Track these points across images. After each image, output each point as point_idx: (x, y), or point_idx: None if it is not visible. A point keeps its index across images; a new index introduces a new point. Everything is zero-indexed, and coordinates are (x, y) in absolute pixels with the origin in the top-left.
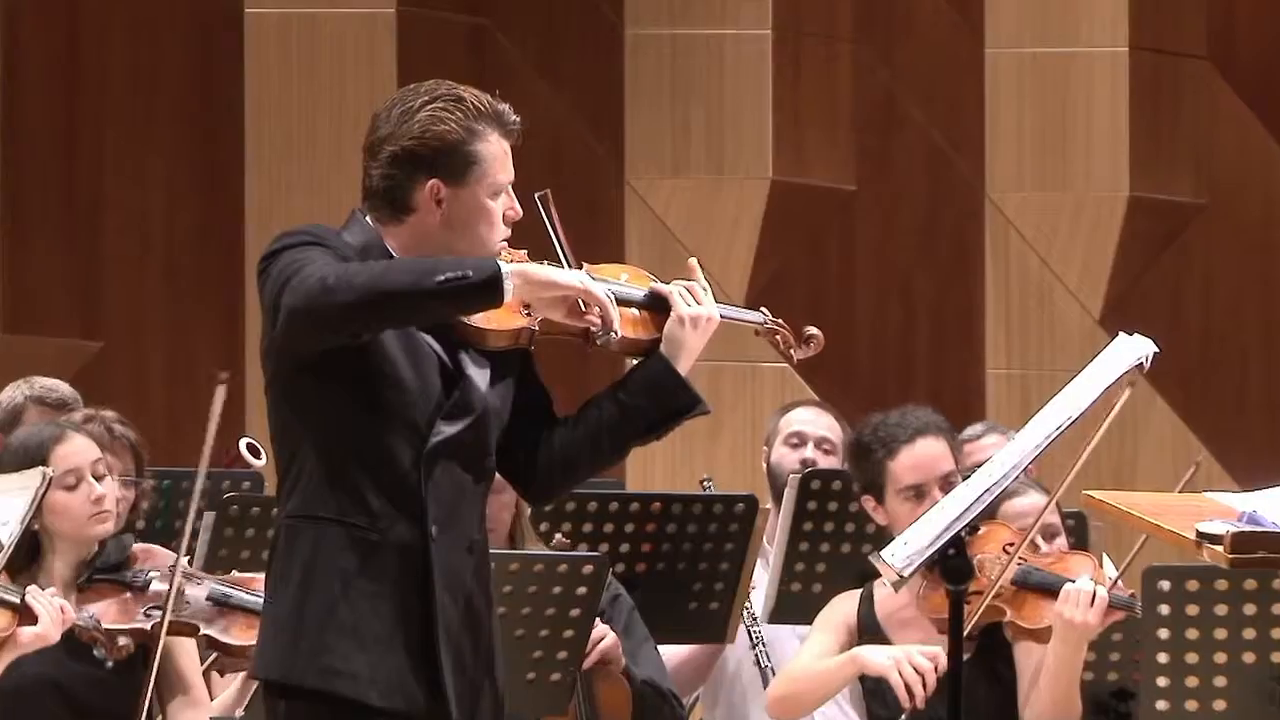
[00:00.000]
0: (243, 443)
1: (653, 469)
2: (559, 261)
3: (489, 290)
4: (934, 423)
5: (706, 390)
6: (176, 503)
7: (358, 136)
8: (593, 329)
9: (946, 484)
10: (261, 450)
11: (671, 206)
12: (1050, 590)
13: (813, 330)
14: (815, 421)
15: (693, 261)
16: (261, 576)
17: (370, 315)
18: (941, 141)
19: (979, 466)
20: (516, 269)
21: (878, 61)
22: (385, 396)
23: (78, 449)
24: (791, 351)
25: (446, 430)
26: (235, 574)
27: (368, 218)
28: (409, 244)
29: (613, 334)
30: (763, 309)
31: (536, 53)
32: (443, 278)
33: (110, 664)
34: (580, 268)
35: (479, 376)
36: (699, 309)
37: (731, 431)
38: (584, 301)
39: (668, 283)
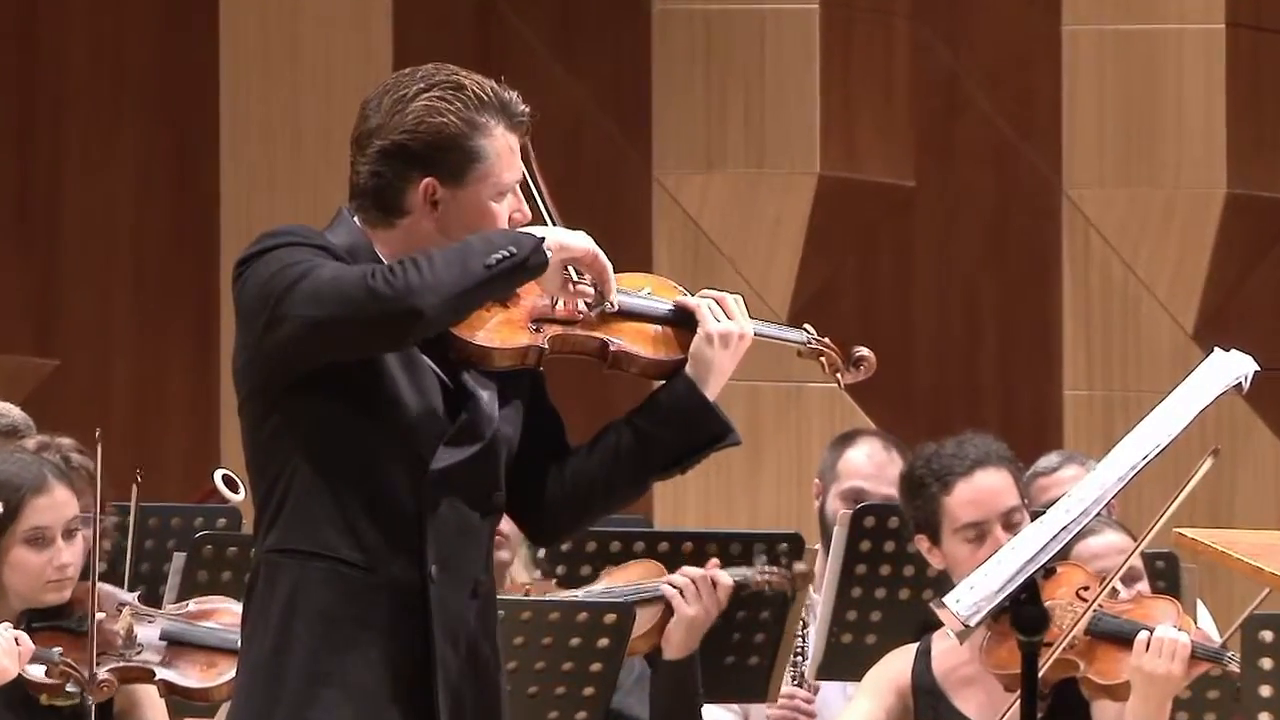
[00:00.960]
0: (218, 475)
1: (684, 504)
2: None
3: (535, 261)
4: (994, 452)
5: (744, 414)
6: (143, 542)
7: (347, 127)
8: (587, 301)
9: (1010, 522)
10: (239, 483)
11: (705, 206)
12: (1127, 640)
13: (863, 351)
14: (879, 475)
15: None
16: (225, 605)
17: (435, 318)
18: (1011, 131)
19: (1054, 503)
20: (547, 231)
21: (939, 40)
22: (383, 416)
23: (56, 504)
24: (839, 375)
25: (450, 457)
26: (193, 605)
27: (356, 218)
28: (399, 249)
29: (606, 304)
30: (806, 326)
31: (551, 32)
32: (493, 260)
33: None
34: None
35: (487, 399)
36: (729, 325)
37: (773, 461)
38: (577, 269)
39: (695, 294)
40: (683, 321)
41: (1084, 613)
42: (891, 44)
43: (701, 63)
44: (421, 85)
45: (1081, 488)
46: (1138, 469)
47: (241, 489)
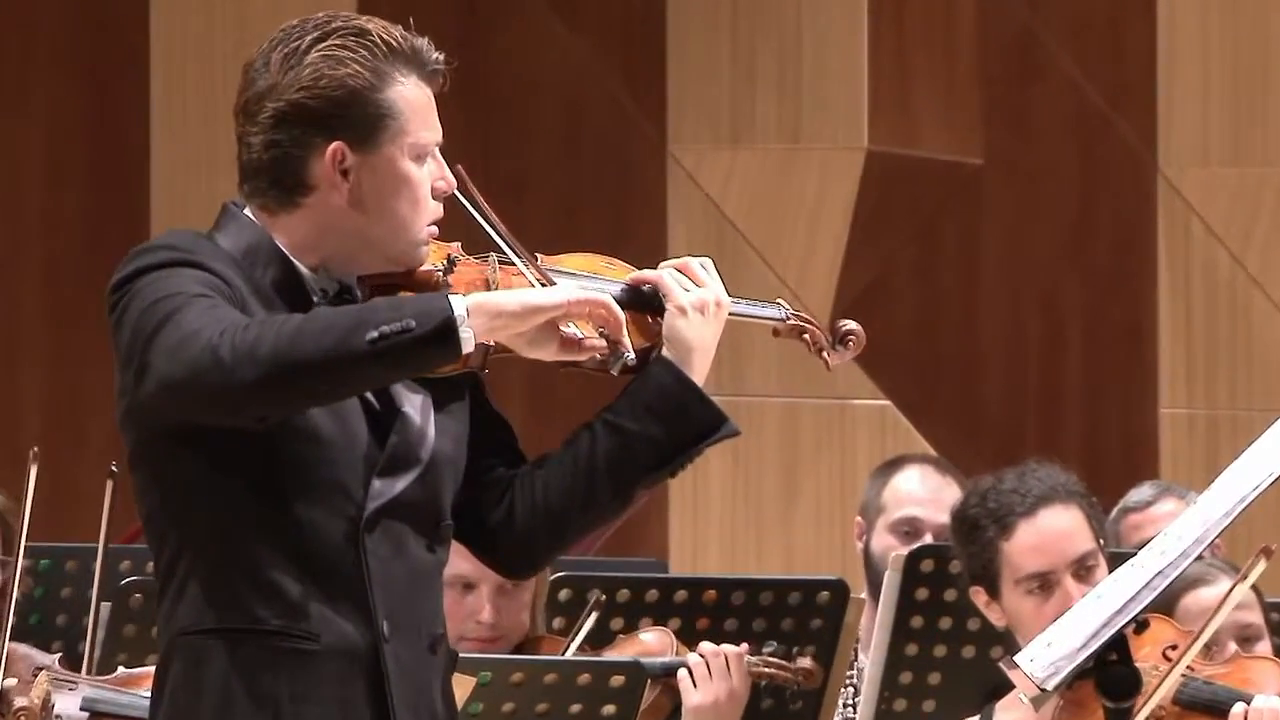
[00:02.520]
0: None
1: (705, 544)
2: (498, 259)
3: (440, 342)
4: (1063, 486)
5: (778, 437)
6: (59, 590)
7: None
8: (600, 356)
9: (1082, 570)
10: None
11: (731, 187)
12: (1221, 710)
13: (849, 325)
14: (935, 500)
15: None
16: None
17: (282, 397)
18: (1098, 99)
19: (1147, 543)
20: (475, 301)
21: None
22: (298, 454)
23: None
24: (824, 355)
25: (386, 491)
26: (122, 671)
27: (247, 210)
28: (309, 236)
29: (627, 356)
30: (780, 300)
31: None
32: (375, 334)
33: None
34: (535, 259)
35: (417, 413)
36: (701, 292)
37: (811, 492)
38: (580, 319)
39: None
40: (644, 301)
41: (1166, 675)
42: None
43: (726, 15)
44: (316, 35)
45: (1180, 525)
46: (1248, 502)
47: None
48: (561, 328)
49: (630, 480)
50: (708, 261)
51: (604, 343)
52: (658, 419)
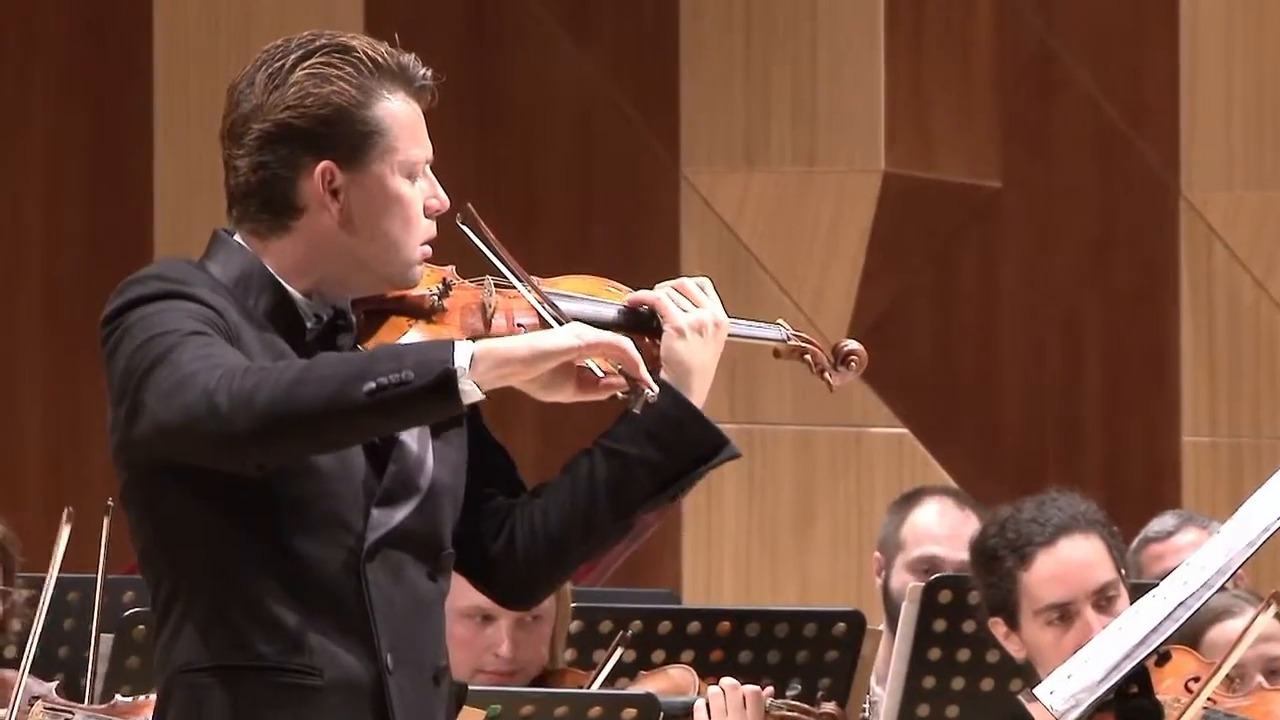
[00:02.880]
0: None
1: (718, 574)
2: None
3: (440, 394)
4: (1082, 515)
5: (792, 465)
6: (62, 622)
7: None
8: (621, 394)
9: (1103, 600)
10: None
11: (745, 210)
12: None
13: (851, 345)
14: (954, 537)
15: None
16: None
17: (278, 447)
18: (1119, 119)
19: (1169, 573)
20: (482, 349)
21: (1030, 7)
22: (295, 487)
23: None
24: (826, 376)
25: (386, 521)
26: (119, 700)
27: (237, 236)
28: (300, 259)
29: (648, 394)
30: (780, 321)
31: (561, 0)
32: (373, 385)
33: None
34: (534, 287)
35: (414, 441)
36: (699, 312)
37: (827, 522)
38: (594, 359)
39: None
40: (641, 323)
41: (1186, 708)
42: (973, 12)
43: (740, 34)
44: (301, 53)
45: (1203, 555)
46: (1272, 532)
47: None
48: (578, 363)
49: (631, 506)
50: (705, 282)
51: (623, 380)
52: (656, 443)
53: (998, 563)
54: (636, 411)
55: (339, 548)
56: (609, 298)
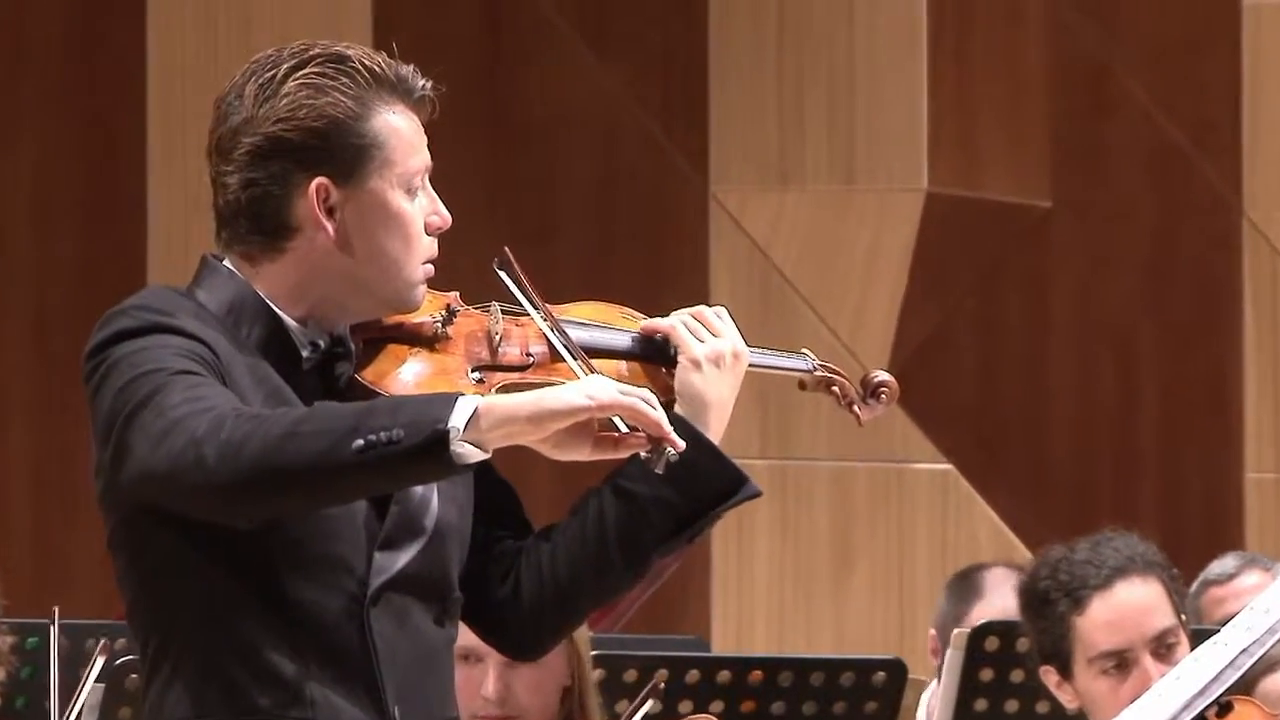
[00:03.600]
0: None
1: (750, 620)
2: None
3: (429, 456)
4: (1140, 556)
5: (830, 501)
6: (48, 671)
7: None
8: (644, 454)
9: (1162, 647)
10: None
11: (779, 232)
12: None
13: (881, 376)
14: None
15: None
16: None
17: (264, 504)
18: (1178, 135)
19: (1231, 619)
20: (485, 405)
21: (1084, 17)
22: (292, 529)
23: None
24: (855, 409)
25: (390, 564)
26: None
27: (227, 260)
28: (295, 284)
29: (670, 454)
30: (805, 351)
31: (578, 6)
32: (361, 443)
33: None
34: (560, 328)
35: None
36: (717, 342)
37: (866, 564)
38: (614, 417)
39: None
40: (656, 353)
41: None
42: (1022, 21)
43: (773, 44)
44: (293, 63)
45: (1267, 598)
46: None
47: None
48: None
49: (644, 549)
50: (723, 310)
51: (644, 437)
52: (670, 481)
53: (1050, 607)
54: (658, 472)
55: (340, 592)
56: (623, 325)
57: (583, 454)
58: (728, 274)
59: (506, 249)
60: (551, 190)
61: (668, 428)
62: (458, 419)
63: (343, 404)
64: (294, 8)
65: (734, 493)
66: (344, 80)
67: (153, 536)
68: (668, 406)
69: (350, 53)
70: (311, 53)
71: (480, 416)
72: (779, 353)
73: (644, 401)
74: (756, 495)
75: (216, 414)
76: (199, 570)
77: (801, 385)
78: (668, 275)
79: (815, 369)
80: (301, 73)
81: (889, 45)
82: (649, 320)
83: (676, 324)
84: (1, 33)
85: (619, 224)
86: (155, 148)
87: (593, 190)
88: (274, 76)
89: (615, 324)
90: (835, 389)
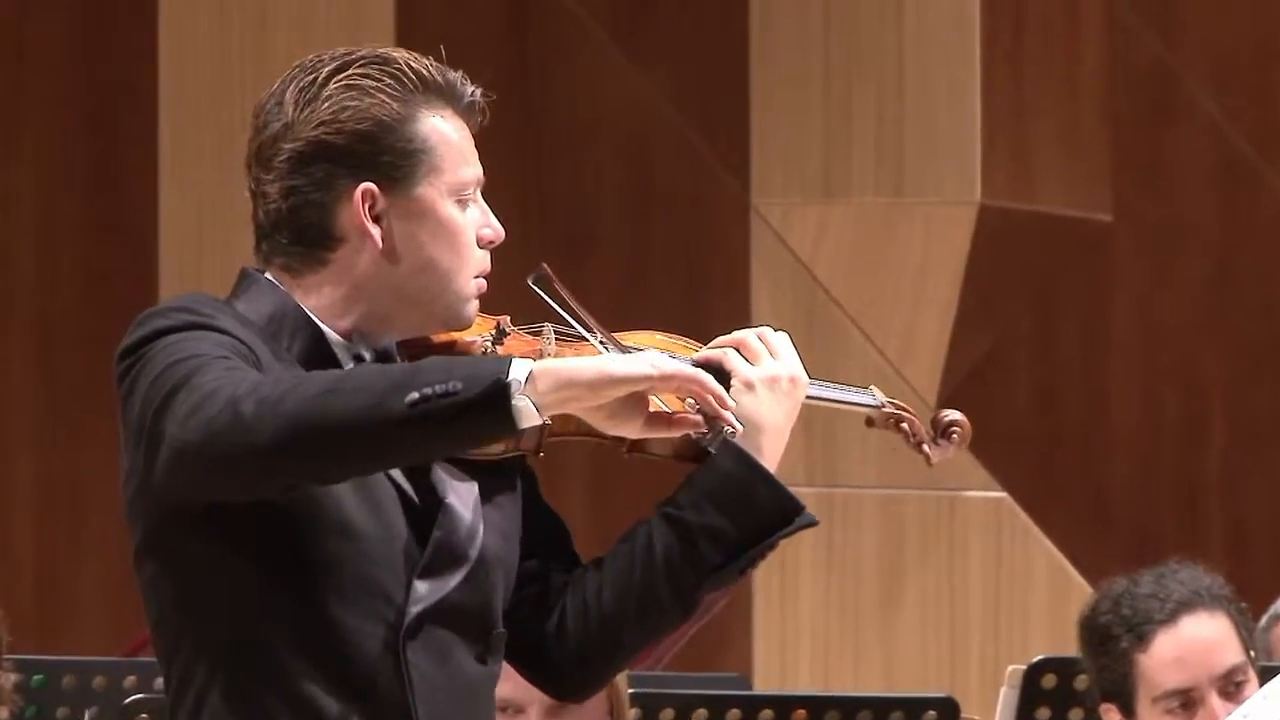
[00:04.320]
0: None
1: (795, 656)
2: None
3: (490, 410)
4: (1207, 590)
5: (880, 532)
6: (54, 710)
7: None
8: (695, 433)
9: (1230, 686)
10: None
11: (823, 247)
12: None
13: (953, 415)
14: None
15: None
16: None
17: (307, 464)
18: (1244, 144)
19: None
20: (543, 367)
21: (1146, 21)
22: (329, 550)
23: None
24: (925, 449)
25: (430, 594)
26: None
27: (267, 274)
28: (339, 297)
29: (727, 431)
30: (873, 387)
31: (615, 11)
32: (415, 396)
33: None
34: (616, 343)
35: (464, 506)
36: (771, 366)
37: (916, 598)
38: (668, 391)
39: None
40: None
41: None
42: (1080, 25)
43: (818, 50)
44: (335, 65)
45: None
46: None
47: None
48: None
49: (693, 581)
50: (784, 335)
51: (699, 417)
52: (722, 509)
53: (1112, 643)
54: (712, 451)
55: (377, 621)
56: (688, 354)
57: (634, 428)
58: (769, 291)
59: (545, 265)
60: (582, 203)
61: (730, 404)
62: (518, 373)
63: (386, 365)
64: (312, 9)
65: (789, 521)
66: (389, 82)
67: (185, 547)
68: (720, 434)
69: (395, 55)
70: (354, 55)
71: (537, 377)
72: (846, 387)
73: (707, 381)
74: (812, 524)
75: (254, 379)
76: (233, 586)
77: (869, 422)
78: (706, 293)
79: (883, 405)
80: (344, 75)
81: (940, 50)
82: (706, 349)
83: (729, 349)
84: (3, 35)
85: (654, 239)
86: (166, 155)
87: (626, 203)
88: (315, 80)
89: (682, 354)
90: (904, 427)
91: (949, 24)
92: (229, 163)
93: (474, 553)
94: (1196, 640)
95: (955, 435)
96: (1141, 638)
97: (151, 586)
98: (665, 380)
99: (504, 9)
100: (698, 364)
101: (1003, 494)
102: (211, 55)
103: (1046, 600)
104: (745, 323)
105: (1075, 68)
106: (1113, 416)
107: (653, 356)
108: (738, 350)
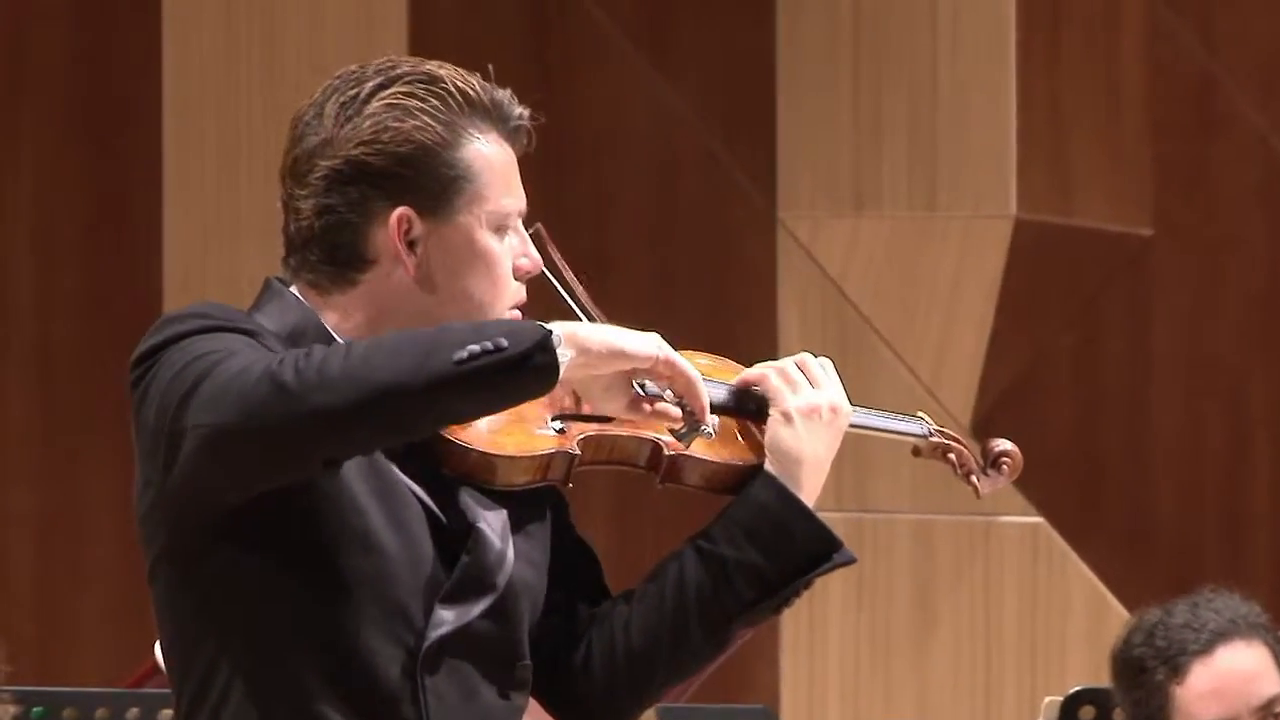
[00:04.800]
0: (160, 646)
1: (822, 687)
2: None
3: (534, 366)
4: (1244, 619)
5: (912, 559)
6: None
7: None
8: (670, 429)
9: (1270, 717)
10: None
11: (853, 261)
12: None
13: (1003, 445)
14: None
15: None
16: None
17: (360, 428)
18: None
19: None
20: (570, 330)
21: (1188, 25)
22: (352, 567)
23: None
24: (974, 480)
25: (452, 620)
26: None
27: (293, 287)
28: (365, 319)
29: (705, 429)
30: (922, 414)
31: (635, 13)
32: (464, 354)
33: None
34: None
35: (495, 533)
36: (812, 395)
37: (949, 627)
38: (656, 380)
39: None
40: (754, 407)
41: None
42: (1120, 32)
43: (847, 58)
44: (379, 81)
45: None
46: None
47: None
48: (634, 383)
49: (726, 617)
50: (827, 361)
51: (679, 411)
52: (757, 544)
53: (1146, 675)
54: (684, 446)
55: (396, 644)
56: (718, 376)
57: (617, 406)
58: (797, 308)
59: (539, 225)
60: (603, 216)
61: (706, 400)
62: (555, 330)
63: (406, 330)
64: (322, 20)
65: (826, 558)
66: (434, 103)
67: (204, 557)
68: (759, 465)
69: (442, 72)
70: (399, 71)
71: (565, 338)
72: (892, 415)
73: (698, 379)
74: (851, 562)
75: (280, 355)
76: (250, 598)
77: (915, 451)
78: (731, 310)
79: (931, 434)
80: (388, 92)
81: (974, 58)
82: (746, 371)
83: (769, 373)
84: (1, 45)
85: (677, 253)
86: (170, 171)
87: (649, 217)
88: (357, 95)
89: (710, 375)
90: (952, 457)
91: (984, 29)
92: (233, 178)
93: (502, 581)
94: (1233, 671)
95: (1005, 466)
96: (1176, 670)
97: (167, 601)
98: (667, 365)
99: (524, 16)
100: (737, 386)
101: (1039, 519)
102: (217, 67)
103: (1084, 630)
104: (772, 341)
105: (1115, 76)
106: (1155, 439)
107: (658, 339)
108: (789, 370)
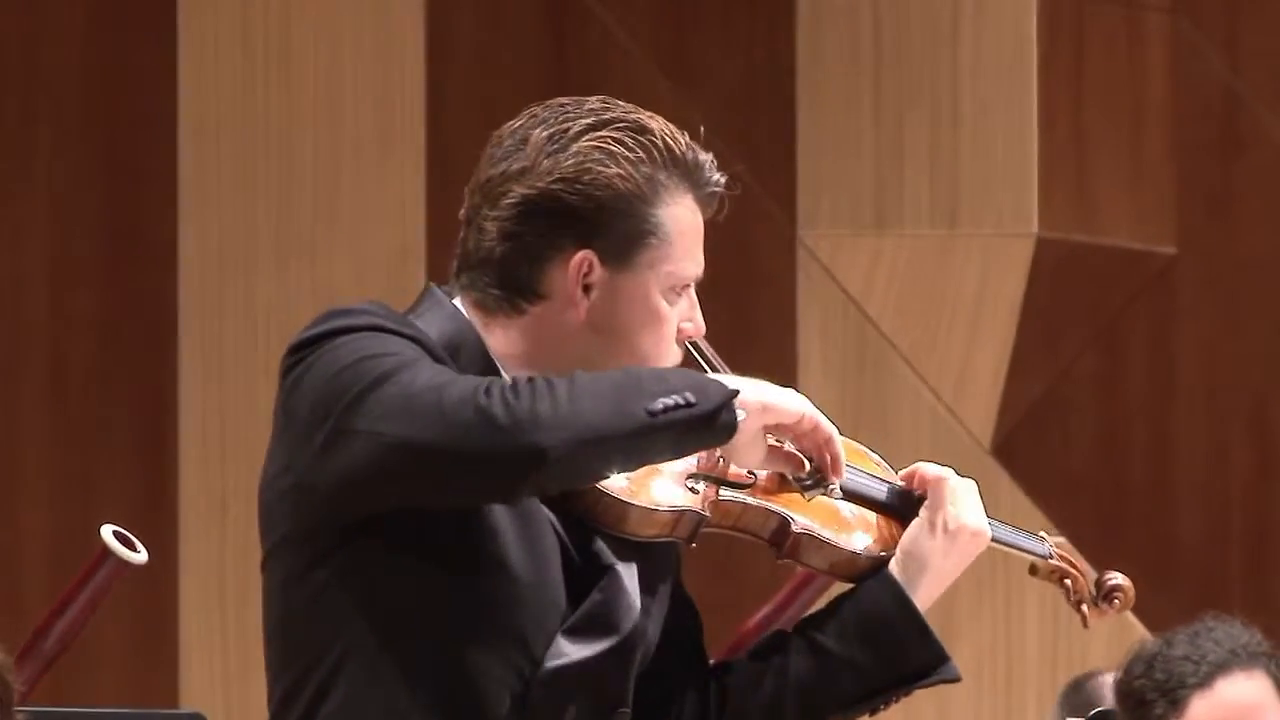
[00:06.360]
0: (107, 531)
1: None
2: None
3: (721, 424)
4: (1245, 648)
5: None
6: None
7: (360, 166)
8: (794, 477)
9: None
10: (136, 542)
11: (874, 279)
12: None
13: (1118, 580)
14: None
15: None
16: None
17: (571, 468)
18: None
19: None
20: (754, 388)
21: (1212, 42)
22: (480, 584)
23: None
24: (1082, 608)
25: (571, 653)
26: None
27: (456, 299)
28: (524, 348)
29: (830, 486)
30: (1044, 534)
31: (652, 28)
32: (658, 406)
33: None
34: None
35: (630, 576)
36: (969, 517)
37: (970, 655)
38: (798, 439)
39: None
40: (901, 506)
41: None
42: (1143, 47)
43: (869, 76)
44: (590, 121)
45: None
46: None
47: (140, 547)
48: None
49: (823, 711)
50: (973, 484)
51: (808, 468)
52: (867, 645)
53: (1146, 709)
54: (806, 499)
55: (508, 668)
56: (866, 467)
57: (756, 458)
58: (818, 328)
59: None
60: None
61: (842, 463)
62: (741, 388)
63: (600, 374)
64: (339, 36)
65: (933, 670)
66: (640, 154)
67: (330, 553)
68: (884, 561)
69: (653, 125)
70: (612, 115)
71: (745, 400)
72: (1017, 531)
73: (837, 439)
74: (955, 680)
75: (475, 380)
76: (362, 611)
77: (1032, 570)
78: (751, 330)
79: (1051, 556)
80: (597, 135)
81: (996, 76)
82: (913, 466)
83: (948, 477)
84: (16, 60)
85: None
86: (186, 189)
87: None
88: (567, 131)
89: (860, 464)
90: (1068, 583)
91: (1006, 47)
92: (250, 201)
93: (627, 626)
94: (1235, 704)
95: (1118, 601)
96: (1176, 703)
97: (279, 590)
98: (810, 426)
99: (540, 32)
100: (909, 481)
101: (1061, 539)
102: (234, 86)
103: (1106, 655)
104: (792, 360)
105: (1138, 93)
106: (1177, 458)
107: (803, 397)
108: (955, 480)
